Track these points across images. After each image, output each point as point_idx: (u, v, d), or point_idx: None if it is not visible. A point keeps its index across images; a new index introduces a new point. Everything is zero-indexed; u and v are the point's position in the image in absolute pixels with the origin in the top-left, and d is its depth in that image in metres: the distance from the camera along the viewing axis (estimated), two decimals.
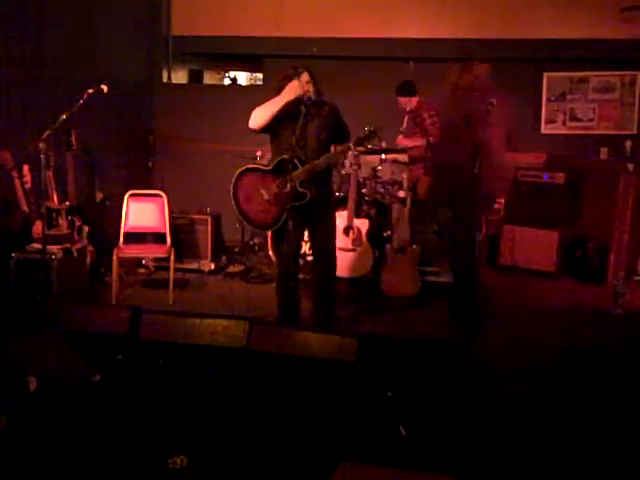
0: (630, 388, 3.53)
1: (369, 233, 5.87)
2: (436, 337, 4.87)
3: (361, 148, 4.43)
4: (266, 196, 4.49)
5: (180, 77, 8.63)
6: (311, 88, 4.42)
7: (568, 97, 7.40)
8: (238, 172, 4.66)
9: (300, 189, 4.37)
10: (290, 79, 4.41)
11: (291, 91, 4.38)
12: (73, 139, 5.80)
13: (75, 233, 5.68)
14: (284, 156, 4.38)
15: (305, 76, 4.42)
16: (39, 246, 4.95)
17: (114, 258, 5.61)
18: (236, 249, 7.14)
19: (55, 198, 5.57)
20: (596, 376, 3.71)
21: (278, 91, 4.45)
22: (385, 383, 3.32)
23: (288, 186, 4.37)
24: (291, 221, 4.45)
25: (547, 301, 5.93)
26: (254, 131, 4.55)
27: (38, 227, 5.24)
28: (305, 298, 4.84)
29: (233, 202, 4.65)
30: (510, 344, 4.72)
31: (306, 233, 4.88)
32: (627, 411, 3.37)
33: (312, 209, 4.50)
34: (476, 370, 3.87)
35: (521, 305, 5.81)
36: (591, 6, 6.92)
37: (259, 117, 4.48)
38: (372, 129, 4.22)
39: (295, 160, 4.35)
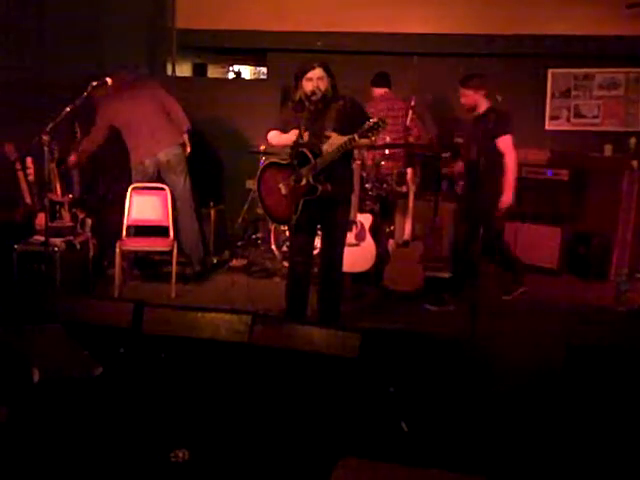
0: (632, 386, 3.53)
1: (372, 228, 5.87)
2: (438, 332, 4.87)
3: (366, 140, 4.36)
4: (284, 190, 4.49)
5: (184, 70, 8.62)
6: (323, 84, 4.39)
7: (573, 93, 7.38)
8: (262, 167, 4.70)
9: (313, 183, 4.35)
10: (303, 75, 4.40)
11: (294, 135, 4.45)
12: (77, 129, 5.82)
13: (78, 226, 5.69)
14: (300, 149, 4.37)
15: (318, 72, 4.39)
16: (42, 238, 4.95)
17: (117, 251, 5.61)
18: (239, 243, 7.14)
19: (58, 190, 5.57)
20: (598, 374, 3.70)
21: (295, 88, 4.47)
22: (387, 378, 3.32)
23: (304, 180, 4.36)
24: (305, 216, 4.44)
25: (549, 298, 5.93)
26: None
27: (41, 219, 5.24)
28: (311, 294, 4.83)
29: (257, 196, 4.75)
30: (512, 340, 4.72)
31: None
32: (629, 409, 3.37)
33: (327, 206, 4.48)
34: (478, 366, 3.87)
35: (523, 301, 5.81)
36: (596, 2, 6.90)
37: (273, 141, 4.64)
38: (377, 120, 4.16)
39: (307, 153, 4.34)
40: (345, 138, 4.23)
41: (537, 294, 5.99)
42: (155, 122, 5.99)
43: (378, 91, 6.69)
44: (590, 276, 6.42)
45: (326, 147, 4.30)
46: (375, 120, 4.12)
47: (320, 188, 4.34)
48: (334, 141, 4.27)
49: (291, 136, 4.45)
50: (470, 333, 4.36)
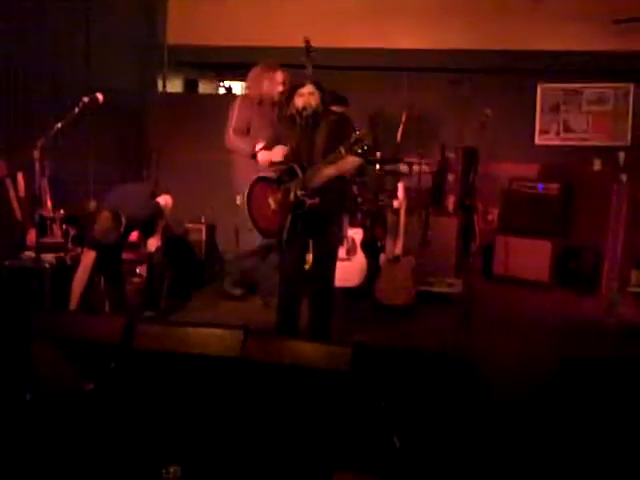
0: (624, 399, 3.53)
1: (363, 243, 5.87)
2: (430, 347, 4.87)
3: (353, 158, 4.37)
4: (273, 205, 4.50)
5: (175, 86, 8.63)
6: (314, 99, 4.42)
7: (562, 108, 7.44)
8: (251, 182, 4.68)
9: (300, 197, 4.37)
10: (295, 90, 4.46)
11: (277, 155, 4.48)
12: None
13: (69, 241, 5.66)
14: (289, 164, 4.39)
15: (309, 87, 4.43)
16: (33, 254, 4.94)
17: None
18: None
19: (49, 206, 5.56)
20: (589, 387, 3.71)
21: (287, 105, 4.56)
22: (379, 393, 3.32)
23: (292, 194, 4.37)
24: (296, 232, 4.44)
25: (540, 311, 5.95)
26: None
27: (32, 235, 5.22)
28: (302, 308, 4.83)
29: (246, 211, 4.67)
30: (503, 354, 4.72)
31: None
32: (622, 422, 3.37)
33: (318, 221, 4.49)
34: (470, 380, 3.87)
35: (514, 315, 5.82)
36: (585, 18, 6.96)
37: (263, 159, 4.65)
38: (362, 133, 4.16)
39: (296, 168, 4.35)
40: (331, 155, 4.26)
41: (528, 308, 6.01)
42: None
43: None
44: (581, 290, 6.44)
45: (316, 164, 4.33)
46: (361, 133, 4.11)
47: (308, 202, 4.35)
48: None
49: (279, 151, 4.47)
50: (462, 347, 4.37)
